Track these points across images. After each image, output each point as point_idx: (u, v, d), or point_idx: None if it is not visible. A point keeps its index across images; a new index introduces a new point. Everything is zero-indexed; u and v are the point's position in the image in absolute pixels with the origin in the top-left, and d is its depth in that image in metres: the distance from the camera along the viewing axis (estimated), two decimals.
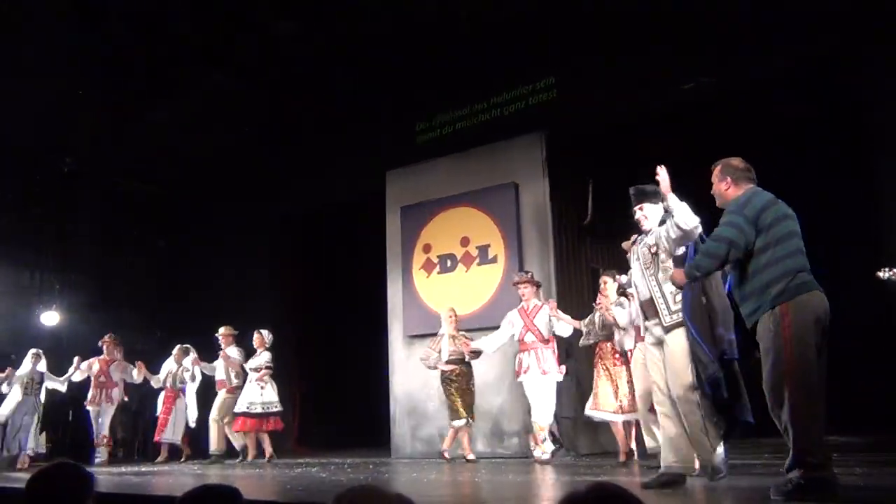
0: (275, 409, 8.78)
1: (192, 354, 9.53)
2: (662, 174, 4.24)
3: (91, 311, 10.82)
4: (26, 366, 9.08)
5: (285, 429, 9.33)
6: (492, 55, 8.32)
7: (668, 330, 4.36)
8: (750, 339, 3.82)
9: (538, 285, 7.44)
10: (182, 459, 9.28)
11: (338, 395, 11.56)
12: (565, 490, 3.64)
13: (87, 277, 11.24)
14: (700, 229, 4.20)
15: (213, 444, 9.00)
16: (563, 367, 7.22)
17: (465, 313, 8.20)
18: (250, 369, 8.89)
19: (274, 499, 4.65)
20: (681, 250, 4.31)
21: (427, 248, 9.02)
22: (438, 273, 8.88)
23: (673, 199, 4.21)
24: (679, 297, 4.29)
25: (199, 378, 9.58)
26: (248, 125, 9.96)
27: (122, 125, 9.51)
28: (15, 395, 8.90)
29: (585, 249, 8.96)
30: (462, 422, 7.48)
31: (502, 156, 8.70)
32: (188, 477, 7.01)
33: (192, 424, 9.50)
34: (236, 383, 9.01)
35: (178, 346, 9.60)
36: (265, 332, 9.06)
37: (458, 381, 7.58)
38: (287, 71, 8.83)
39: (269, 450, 8.67)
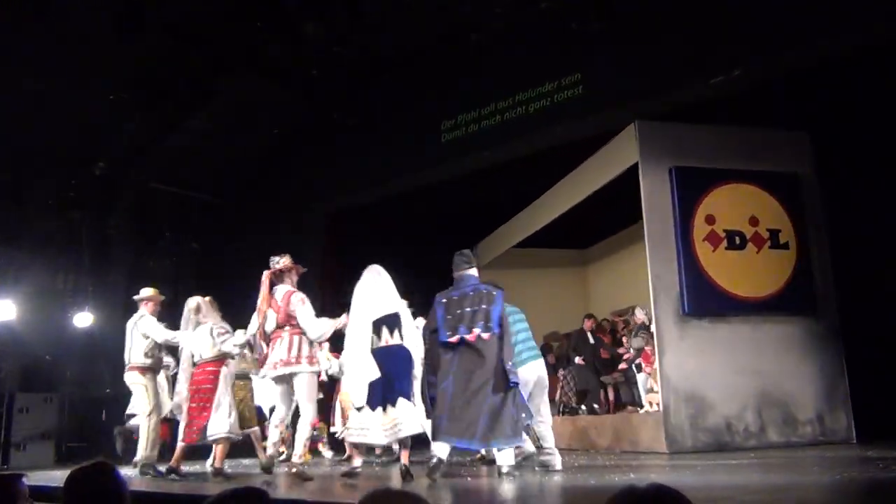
0: None
1: None
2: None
3: (124, 312, 10.88)
4: None
5: None
6: None
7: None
8: None
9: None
10: None
11: None
12: None
13: (120, 279, 11.33)
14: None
15: None
16: None
17: (756, 296, 8.11)
18: None
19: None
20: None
21: (710, 220, 8.33)
22: (726, 248, 8.34)
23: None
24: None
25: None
26: (278, 127, 10.01)
27: (158, 130, 9.61)
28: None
29: None
30: None
31: (772, 142, 8.61)
32: None
33: None
34: None
35: None
36: None
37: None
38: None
39: None
